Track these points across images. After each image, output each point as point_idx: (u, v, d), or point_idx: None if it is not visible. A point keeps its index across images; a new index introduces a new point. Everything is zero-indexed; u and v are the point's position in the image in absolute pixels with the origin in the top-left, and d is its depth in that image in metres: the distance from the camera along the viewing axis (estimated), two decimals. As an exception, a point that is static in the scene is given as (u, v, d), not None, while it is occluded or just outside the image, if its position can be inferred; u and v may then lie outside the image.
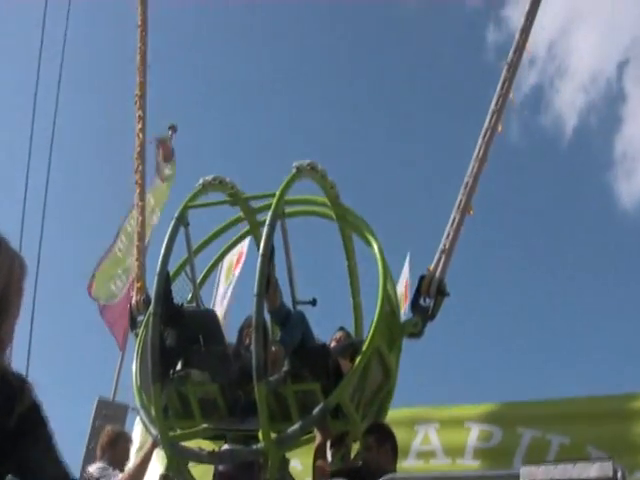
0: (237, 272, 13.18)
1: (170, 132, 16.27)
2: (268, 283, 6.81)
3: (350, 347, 7.34)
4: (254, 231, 8.41)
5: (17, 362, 2.86)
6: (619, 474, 4.32)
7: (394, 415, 7.73)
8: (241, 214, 8.28)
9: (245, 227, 8.45)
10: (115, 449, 7.78)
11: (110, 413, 12.64)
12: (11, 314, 2.76)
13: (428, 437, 8.70)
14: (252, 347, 6.66)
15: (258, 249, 8.13)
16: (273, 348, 6.88)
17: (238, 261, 13.06)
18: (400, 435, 7.19)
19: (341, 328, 7.86)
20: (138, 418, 12.51)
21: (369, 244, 7.54)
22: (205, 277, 8.48)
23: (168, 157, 15.19)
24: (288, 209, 7.66)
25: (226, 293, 13.07)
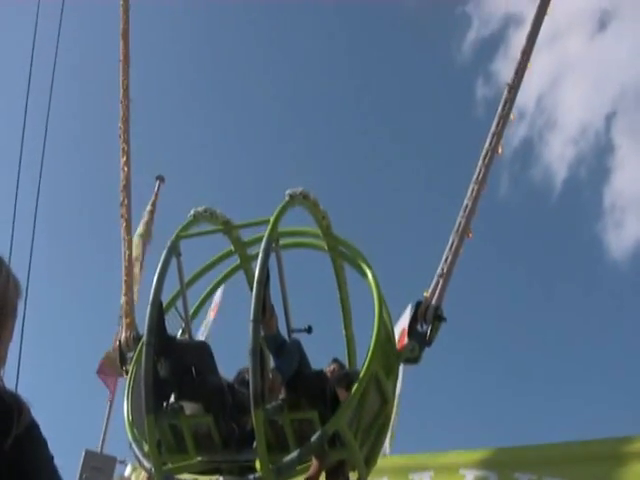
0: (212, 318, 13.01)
1: (157, 182, 16.31)
2: (264, 309, 6.73)
3: (345, 377, 7.25)
4: (244, 265, 8.36)
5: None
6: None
7: (388, 463, 7.61)
8: (232, 248, 8.24)
9: (235, 261, 8.40)
10: None
11: (98, 465, 12.43)
12: (4, 337, 2.64)
13: None
14: (249, 376, 6.56)
15: (249, 284, 8.12)
16: (270, 375, 6.77)
17: (213, 310, 12.88)
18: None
19: (335, 360, 7.78)
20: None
21: (363, 273, 7.49)
22: (196, 311, 8.38)
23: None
24: (280, 241, 7.61)
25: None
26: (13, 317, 2.72)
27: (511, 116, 7.48)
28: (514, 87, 7.58)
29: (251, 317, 6.53)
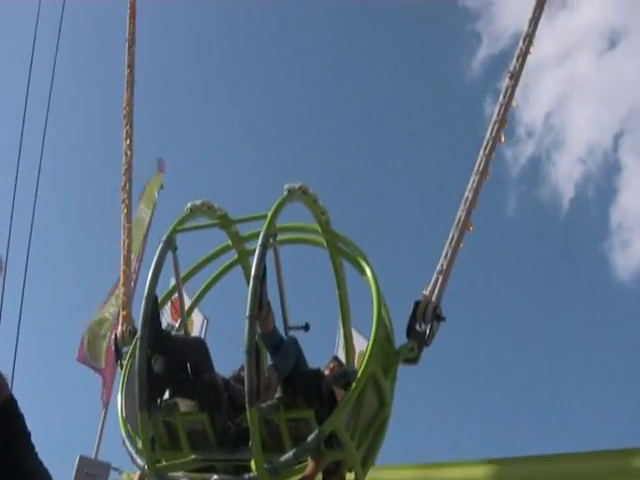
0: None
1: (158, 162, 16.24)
2: (261, 305, 6.60)
3: (343, 376, 7.12)
4: (242, 260, 8.24)
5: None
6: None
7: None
8: (229, 242, 8.11)
9: (233, 256, 8.28)
10: None
11: (92, 472, 12.35)
12: None
13: None
14: (244, 373, 6.44)
15: (246, 278, 7.98)
16: (266, 373, 6.65)
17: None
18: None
19: (335, 358, 7.67)
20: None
21: (362, 270, 7.37)
22: (192, 307, 8.27)
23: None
24: (278, 237, 7.48)
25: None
26: None
27: (513, 103, 7.33)
28: (515, 74, 7.44)
29: (247, 313, 6.40)
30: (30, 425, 2.59)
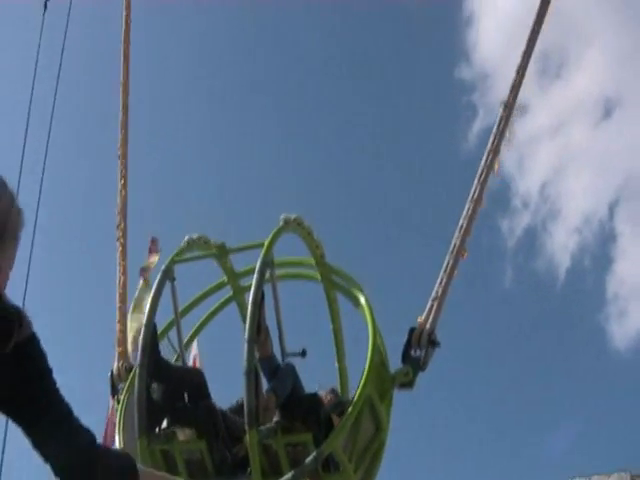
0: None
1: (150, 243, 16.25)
2: (259, 330, 6.73)
3: (340, 405, 7.22)
4: (237, 296, 8.38)
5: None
6: None
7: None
8: (225, 279, 8.26)
9: (228, 292, 8.42)
10: None
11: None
12: (4, 262, 2.71)
13: None
14: (243, 399, 6.54)
15: (242, 316, 8.12)
16: (265, 396, 6.74)
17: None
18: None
19: (332, 390, 7.75)
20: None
21: (356, 300, 7.53)
22: (189, 342, 8.36)
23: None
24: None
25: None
26: (14, 244, 2.76)
27: (507, 134, 7.62)
28: (509, 105, 7.73)
29: (246, 337, 6.53)
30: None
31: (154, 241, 14.08)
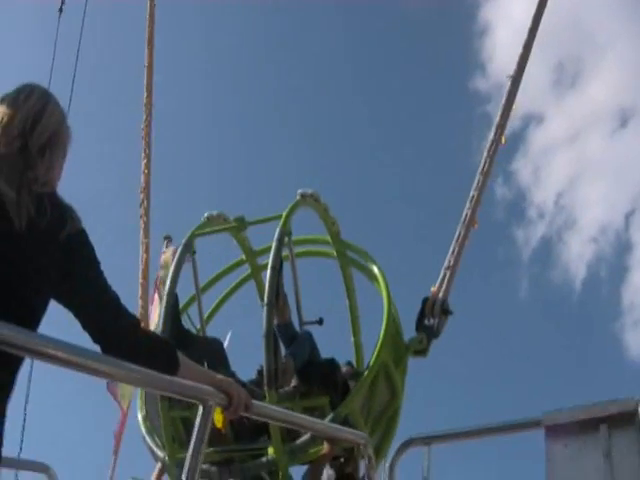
0: None
1: (165, 242, 16.45)
2: (277, 295, 6.94)
3: (356, 375, 7.40)
4: (255, 275, 8.59)
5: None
6: (640, 408, 4.42)
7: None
8: (243, 257, 8.49)
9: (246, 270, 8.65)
10: None
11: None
12: (61, 155, 3.01)
13: None
14: (263, 359, 6.73)
15: (260, 294, 8.33)
16: (283, 360, 6.94)
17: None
18: None
19: (348, 362, 7.93)
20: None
21: (371, 273, 7.74)
22: (208, 319, 8.57)
23: None
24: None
25: None
26: (63, 156, 3.06)
27: (513, 107, 7.86)
28: (516, 79, 7.98)
29: (265, 301, 6.74)
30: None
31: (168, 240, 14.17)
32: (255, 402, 3.46)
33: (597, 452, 4.21)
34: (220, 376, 3.21)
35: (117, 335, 2.89)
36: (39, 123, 2.88)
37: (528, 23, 8.09)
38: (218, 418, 3.14)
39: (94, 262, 2.93)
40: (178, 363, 3.04)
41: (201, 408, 3.10)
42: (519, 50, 8.04)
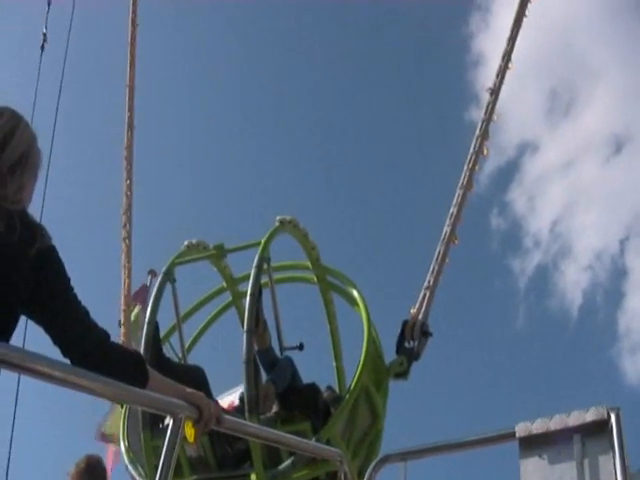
0: None
1: (150, 277, 16.39)
2: (257, 322, 6.97)
3: (337, 400, 7.41)
4: (236, 302, 8.62)
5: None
6: (613, 416, 4.45)
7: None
8: (224, 284, 8.52)
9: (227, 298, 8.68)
10: None
11: None
12: (32, 175, 3.06)
13: None
14: (243, 387, 6.74)
15: (241, 320, 8.34)
16: (263, 388, 6.95)
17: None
18: None
19: (329, 387, 7.95)
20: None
21: (350, 297, 7.78)
22: (190, 347, 8.57)
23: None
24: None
25: None
26: (33, 180, 3.12)
27: (494, 118, 7.93)
28: (495, 91, 8.06)
29: (245, 327, 6.77)
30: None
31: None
32: (227, 417, 3.47)
33: (571, 462, 4.22)
34: (190, 390, 3.22)
35: (86, 348, 2.92)
36: (9, 143, 2.93)
37: (507, 33, 8.17)
38: (190, 432, 3.12)
39: (64, 278, 2.97)
40: (147, 376, 3.07)
41: (171, 421, 3.11)
42: (503, 66, 8.09)
